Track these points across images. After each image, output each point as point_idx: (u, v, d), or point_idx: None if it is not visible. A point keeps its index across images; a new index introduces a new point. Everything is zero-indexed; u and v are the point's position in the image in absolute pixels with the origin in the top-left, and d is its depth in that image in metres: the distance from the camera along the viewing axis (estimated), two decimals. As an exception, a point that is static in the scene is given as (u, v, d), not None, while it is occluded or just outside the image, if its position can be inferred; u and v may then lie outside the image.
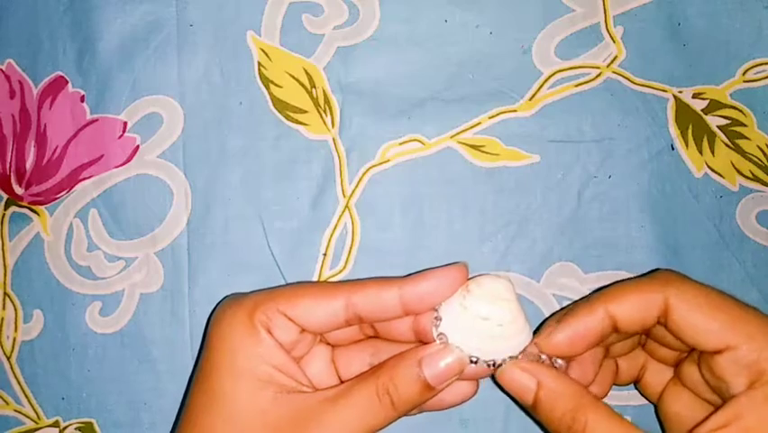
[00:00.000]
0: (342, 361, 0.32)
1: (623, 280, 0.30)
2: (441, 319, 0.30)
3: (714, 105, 0.38)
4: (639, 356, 0.33)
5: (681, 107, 0.38)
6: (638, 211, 0.37)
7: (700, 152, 0.38)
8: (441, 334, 0.29)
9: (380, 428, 0.29)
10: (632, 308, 0.29)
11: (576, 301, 0.37)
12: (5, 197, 0.38)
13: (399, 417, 0.29)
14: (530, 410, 0.29)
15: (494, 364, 0.29)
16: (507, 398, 0.36)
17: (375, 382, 0.28)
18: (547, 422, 0.28)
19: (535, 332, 0.31)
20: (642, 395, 0.34)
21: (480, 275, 0.30)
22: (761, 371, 0.27)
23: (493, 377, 0.30)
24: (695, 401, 0.31)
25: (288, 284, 0.37)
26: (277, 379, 0.29)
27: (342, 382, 0.32)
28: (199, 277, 0.38)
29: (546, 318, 0.36)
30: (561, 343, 0.29)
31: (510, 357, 0.29)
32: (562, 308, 0.36)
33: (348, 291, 0.30)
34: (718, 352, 0.28)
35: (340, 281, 0.37)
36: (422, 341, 0.30)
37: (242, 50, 0.38)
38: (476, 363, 0.29)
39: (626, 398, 0.37)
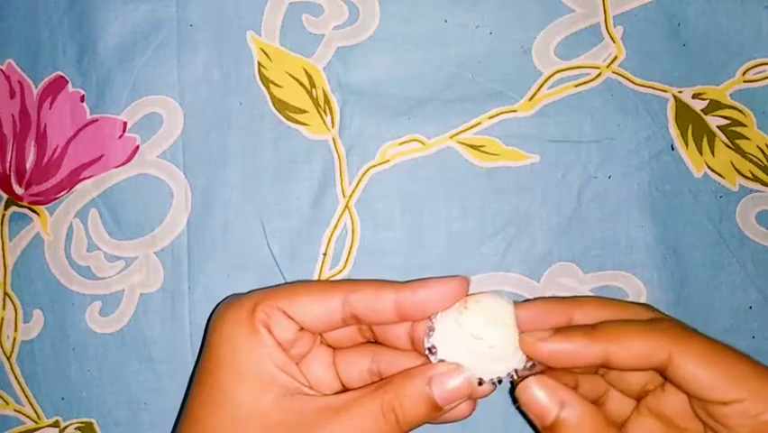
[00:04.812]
0: (343, 364, 0.32)
1: (627, 322, 0.29)
2: (434, 330, 0.29)
3: (714, 106, 0.38)
4: (601, 382, 0.32)
5: (681, 107, 0.38)
6: (638, 211, 0.37)
7: (700, 152, 0.38)
8: (432, 346, 0.29)
9: None
10: (630, 357, 0.28)
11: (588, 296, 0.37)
12: (5, 197, 0.38)
13: None
14: (543, 430, 0.28)
15: (480, 383, 0.29)
16: (507, 400, 0.36)
17: (381, 397, 0.28)
18: None
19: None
20: None
21: (481, 292, 0.30)
22: (764, 422, 0.27)
23: (512, 392, 0.29)
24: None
25: (287, 283, 0.37)
26: (279, 380, 0.29)
27: (342, 384, 0.32)
28: (199, 277, 0.38)
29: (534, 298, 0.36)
30: (546, 353, 0.28)
31: (499, 379, 0.29)
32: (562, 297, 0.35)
33: (346, 290, 0.30)
34: (723, 403, 0.27)
35: (339, 280, 0.37)
36: (417, 349, 0.30)
37: (242, 50, 0.38)
38: (481, 384, 0.28)
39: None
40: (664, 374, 0.28)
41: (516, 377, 0.29)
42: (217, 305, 0.32)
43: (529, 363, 0.29)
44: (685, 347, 0.28)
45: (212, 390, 0.29)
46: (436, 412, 0.28)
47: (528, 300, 0.31)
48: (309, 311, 0.30)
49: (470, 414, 0.30)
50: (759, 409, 0.27)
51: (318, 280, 0.37)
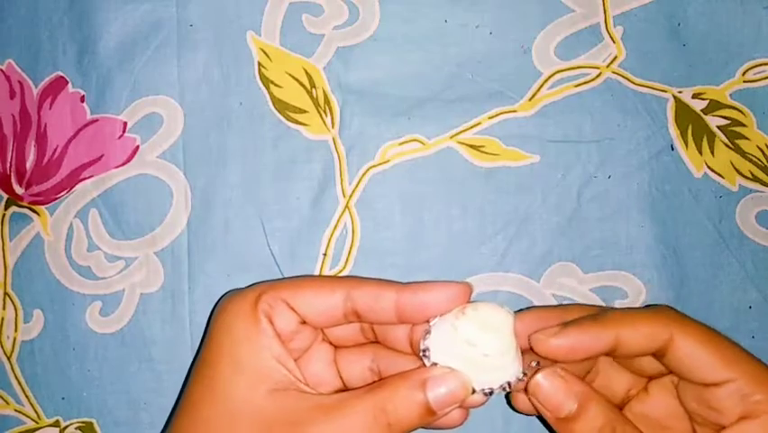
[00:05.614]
0: (344, 362, 0.32)
1: (629, 309, 0.30)
2: (430, 333, 0.29)
3: (714, 106, 0.38)
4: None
5: (681, 107, 0.38)
6: (638, 211, 0.37)
7: (700, 152, 0.38)
8: (426, 349, 0.29)
9: None
10: (639, 337, 0.28)
11: (573, 303, 0.37)
12: (6, 197, 0.38)
13: None
14: (554, 423, 0.28)
15: (472, 391, 0.28)
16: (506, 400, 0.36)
17: (373, 398, 0.28)
18: None
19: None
20: None
21: (483, 302, 0.29)
22: (756, 402, 0.27)
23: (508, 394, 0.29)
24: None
25: (291, 277, 0.37)
26: (275, 373, 0.29)
27: (343, 383, 0.32)
28: (199, 277, 0.38)
29: (530, 307, 0.36)
30: (561, 348, 0.28)
31: (490, 390, 0.28)
32: (557, 305, 0.35)
33: (349, 286, 0.30)
34: (716, 384, 0.28)
35: (343, 276, 0.37)
36: (416, 353, 0.30)
37: (242, 50, 0.38)
38: (473, 393, 0.28)
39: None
40: (663, 358, 0.29)
41: (508, 390, 0.29)
42: (221, 297, 0.32)
43: (522, 376, 0.29)
44: (685, 328, 0.29)
45: (211, 380, 0.29)
46: (430, 417, 0.28)
47: (522, 310, 0.30)
48: (312, 304, 0.30)
49: (461, 423, 0.30)
50: (750, 389, 0.28)
51: (323, 275, 0.37)
